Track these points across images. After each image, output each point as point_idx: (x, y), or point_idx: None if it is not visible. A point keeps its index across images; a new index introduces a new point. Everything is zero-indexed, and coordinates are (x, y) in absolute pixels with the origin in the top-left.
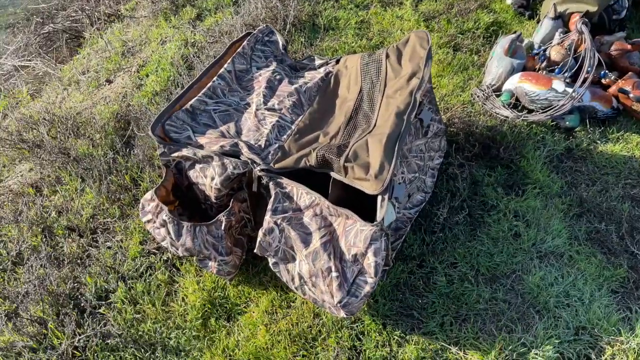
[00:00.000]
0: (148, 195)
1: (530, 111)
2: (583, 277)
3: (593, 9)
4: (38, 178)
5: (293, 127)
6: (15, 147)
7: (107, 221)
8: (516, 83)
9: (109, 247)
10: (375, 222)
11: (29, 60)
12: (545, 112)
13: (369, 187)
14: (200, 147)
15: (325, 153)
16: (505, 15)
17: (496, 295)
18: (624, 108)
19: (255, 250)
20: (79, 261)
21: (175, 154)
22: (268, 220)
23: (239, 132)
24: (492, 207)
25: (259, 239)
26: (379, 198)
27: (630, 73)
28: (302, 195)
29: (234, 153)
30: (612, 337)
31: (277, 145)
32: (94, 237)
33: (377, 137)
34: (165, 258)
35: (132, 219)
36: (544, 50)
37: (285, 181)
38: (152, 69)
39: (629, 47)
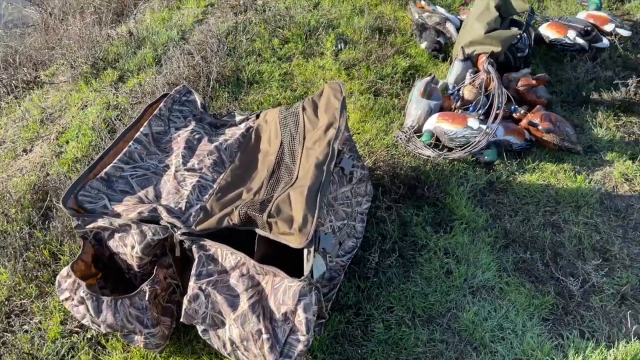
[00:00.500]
0: (64, 271)
1: (450, 149)
2: (514, 308)
3: (497, 49)
4: None
5: (215, 185)
6: None
7: (24, 302)
8: (435, 123)
9: (26, 331)
10: (302, 277)
11: None
12: (464, 149)
13: (294, 241)
14: (117, 215)
15: (247, 210)
16: (420, 59)
17: (434, 336)
18: (536, 139)
19: (181, 319)
20: None
21: (91, 225)
22: (192, 286)
23: (158, 196)
24: (423, 247)
25: (184, 307)
26: (305, 251)
27: (537, 106)
28: (227, 256)
29: (153, 218)
30: None
31: (198, 206)
32: (9, 321)
33: (298, 190)
34: (89, 336)
35: (52, 297)
36: (458, 90)
37: (208, 243)
38: (73, 135)
39: (534, 82)
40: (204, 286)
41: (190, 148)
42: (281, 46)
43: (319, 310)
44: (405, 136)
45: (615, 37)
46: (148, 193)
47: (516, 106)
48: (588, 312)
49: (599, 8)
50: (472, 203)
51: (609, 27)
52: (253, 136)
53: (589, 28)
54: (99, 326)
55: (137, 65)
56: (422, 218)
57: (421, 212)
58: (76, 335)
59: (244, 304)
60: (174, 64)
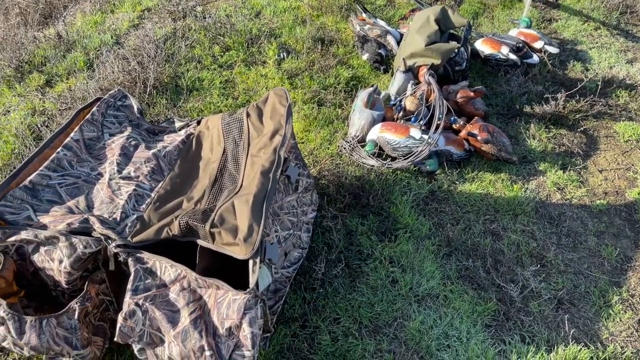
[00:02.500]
0: None
1: (393, 159)
2: (459, 315)
3: (437, 61)
4: None
5: (153, 194)
6: None
7: None
8: (378, 133)
9: None
10: (248, 289)
11: None
12: (407, 158)
13: (238, 252)
14: (44, 227)
15: (188, 220)
16: (362, 70)
17: (381, 347)
18: (475, 149)
19: (115, 339)
20: None
21: (13, 238)
22: (128, 302)
23: (90, 206)
24: (368, 256)
25: (119, 325)
26: (251, 262)
27: (476, 117)
28: (166, 268)
29: (84, 230)
30: None
31: (135, 216)
32: None
33: (243, 198)
34: None
35: None
36: (400, 101)
37: (145, 255)
38: None
39: (472, 94)
40: (141, 302)
41: (126, 155)
42: (222, 53)
43: (264, 323)
44: (349, 146)
45: (545, 54)
46: (79, 203)
47: (456, 117)
48: (528, 317)
49: (529, 26)
50: (415, 212)
51: (538, 44)
52: (194, 143)
53: (520, 44)
54: (22, 349)
55: (67, 70)
56: (367, 227)
57: (366, 221)
58: None
59: (184, 319)
60: (107, 68)
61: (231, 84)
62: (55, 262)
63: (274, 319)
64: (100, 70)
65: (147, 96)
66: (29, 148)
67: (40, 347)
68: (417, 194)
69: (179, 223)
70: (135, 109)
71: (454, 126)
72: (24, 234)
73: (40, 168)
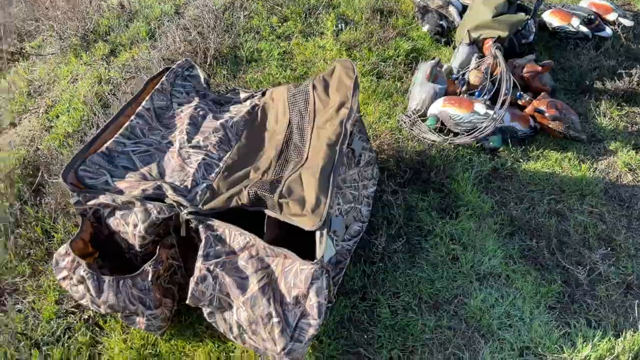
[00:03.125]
0: (62, 249)
1: (455, 134)
2: (521, 295)
3: (504, 34)
4: None
5: (221, 164)
6: None
7: (16, 281)
8: (440, 107)
9: (19, 311)
10: (315, 260)
11: None
12: (470, 134)
13: (306, 223)
14: (120, 192)
15: (257, 190)
16: (423, 42)
17: (441, 323)
18: (541, 127)
19: (187, 301)
20: None
21: (92, 202)
22: (199, 267)
23: (162, 174)
24: (429, 232)
25: (190, 289)
26: (318, 234)
27: (543, 93)
28: (236, 236)
29: (158, 196)
30: (555, 354)
31: (205, 185)
32: (1, 301)
33: (310, 170)
34: (85, 317)
35: (45, 275)
36: (463, 75)
37: (216, 223)
38: (63, 109)
39: (540, 68)
40: (211, 267)
41: (195, 125)
42: (280, 24)
43: (328, 294)
44: (410, 120)
45: (618, 27)
46: (151, 170)
47: (522, 93)
48: (594, 301)
49: None
50: (477, 189)
51: (611, 16)
52: (259, 114)
53: (592, 16)
54: (99, 307)
55: (130, 39)
56: (428, 203)
57: (427, 197)
58: (72, 315)
59: (253, 286)
60: (169, 38)
61: (289, 55)
62: (130, 226)
63: (335, 290)
64: (162, 40)
65: (207, 66)
66: (97, 115)
67: (117, 305)
68: (479, 171)
69: (248, 193)
70: (202, 80)
71: (519, 102)
72: (103, 198)
73: (115, 135)
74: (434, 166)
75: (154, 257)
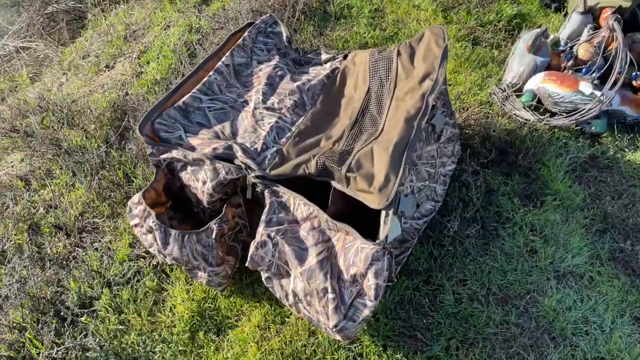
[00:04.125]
0: (135, 198)
1: (552, 114)
2: (604, 301)
3: (626, 4)
4: (28, 170)
5: (293, 129)
6: (7, 136)
7: (96, 220)
8: (539, 83)
9: (96, 249)
10: (377, 241)
11: (31, 42)
12: (570, 116)
13: (372, 201)
14: (192, 148)
15: (325, 160)
16: (529, 7)
17: (508, 319)
18: None
19: (247, 264)
20: (64, 263)
21: (165, 155)
22: (261, 232)
23: (234, 133)
24: (508, 220)
25: (250, 252)
26: (383, 213)
27: None
28: (300, 206)
29: (228, 156)
30: None
31: (275, 149)
32: (81, 237)
33: (383, 145)
34: (154, 263)
35: (122, 218)
36: (571, 48)
37: (281, 190)
38: (154, 55)
39: None
40: (272, 234)
41: (272, 85)
42: None
43: (388, 275)
44: (503, 94)
45: None
46: (224, 128)
47: (638, 72)
48: None
49: None
50: (569, 178)
51: None
52: (338, 79)
53: None
54: (165, 257)
55: None
56: (511, 188)
57: (510, 180)
58: (143, 260)
59: (312, 258)
60: None
61: (380, 13)
62: (199, 183)
63: (397, 269)
64: None
65: (295, 21)
66: (184, 65)
67: (181, 258)
68: (574, 157)
69: (316, 162)
70: (284, 37)
71: (633, 83)
72: (175, 153)
73: (193, 90)
74: (523, 148)
75: (219, 216)
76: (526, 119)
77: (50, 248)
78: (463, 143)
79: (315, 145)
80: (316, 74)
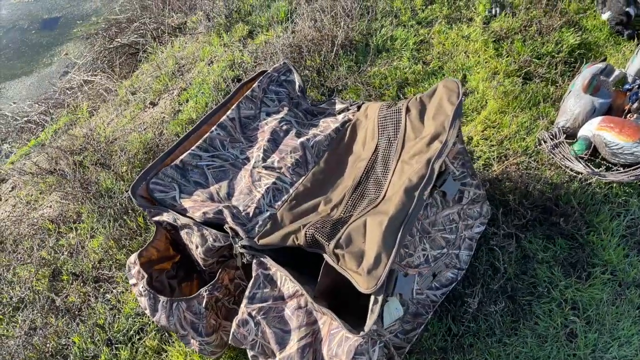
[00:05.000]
0: (132, 257)
1: (609, 166)
2: None
3: None
4: (59, 213)
5: (291, 191)
6: (42, 178)
7: (112, 269)
8: (595, 130)
9: (108, 301)
10: (362, 332)
11: (94, 75)
12: (631, 169)
13: (360, 283)
14: (184, 211)
15: (315, 233)
16: (597, 35)
17: None
18: None
19: (229, 341)
20: (76, 312)
21: (157, 218)
22: (243, 310)
23: (230, 194)
24: (544, 294)
25: (232, 330)
26: (372, 299)
27: None
28: (287, 281)
29: (218, 221)
30: None
31: (268, 213)
32: (96, 286)
33: (377, 219)
34: None
35: None
36: (638, 87)
37: (269, 262)
38: (193, 93)
39: None
40: (254, 313)
41: (275, 141)
42: (423, 7)
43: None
44: (553, 140)
45: None
46: (221, 189)
47: None
48: None
49: None
50: (625, 245)
51: None
52: (348, 133)
53: None
54: (156, 324)
55: (268, 20)
56: (552, 254)
57: (552, 245)
58: (148, 316)
59: (293, 344)
60: (300, 23)
61: (426, 45)
62: (193, 245)
63: (406, 349)
64: (295, 24)
65: (332, 56)
66: (219, 102)
67: (168, 327)
68: (635, 219)
69: (305, 234)
70: (297, 86)
71: None
72: (166, 216)
73: (193, 147)
74: (570, 206)
75: (212, 282)
76: (577, 172)
77: (67, 297)
78: (498, 198)
79: (312, 210)
80: (325, 127)
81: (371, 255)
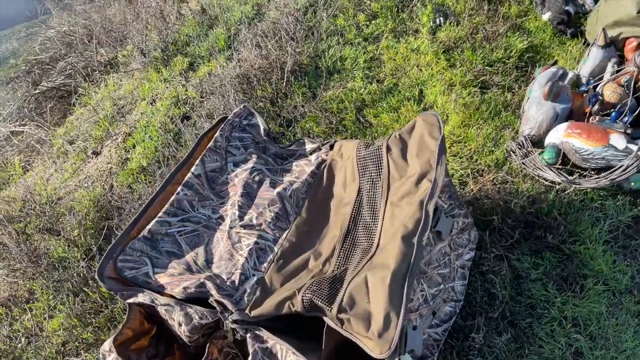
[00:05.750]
0: (106, 345)
1: (581, 174)
2: None
3: None
4: (8, 295)
5: (276, 249)
6: None
7: (79, 351)
8: (562, 137)
9: None
10: None
11: (23, 125)
12: (604, 176)
13: (372, 348)
14: (161, 288)
15: (313, 297)
16: (542, 36)
17: None
18: None
19: None
20: None
21: (131, 300)
22: None
23: (209, 261)
24: (543, 314)
25: None
26: None
27: None
28: (288, 354)
29: (201, 295)
30: None
31: (255, 278)
32: None
33: (378, 274)
34: None
35: None
36: (595, 88)
37: (265, 334)
38: (140, 137)
39: None
40: None
41: (249, 195)
42: (367, 22)
43: None
44: (522, 150)
45: None
46: (198, 257)
47: None
48: None
49: None
50: (611, 251)
51: None
52: (325, 176)
53: None
54: None
55: (209, 50)
56: (543, 271)
57: (541, 260)
58: None
59: None
60: (244, 51)
61: (377, 62)
62: (175, 323)
63: None
64: (239, 52)
65: (284, 83)
66: (170, 147)
67: None
68: (614, 222)
69: (302, 299)
70: (262, 130)
71: None
72: (141, 297)
73: (160, 214)
74: (551, 218)
75: (202, 358)
76: (552, 181)
77: None
78: (481, 219)
79: (302, 268)
80: (300, 171)
81: (379, 316)
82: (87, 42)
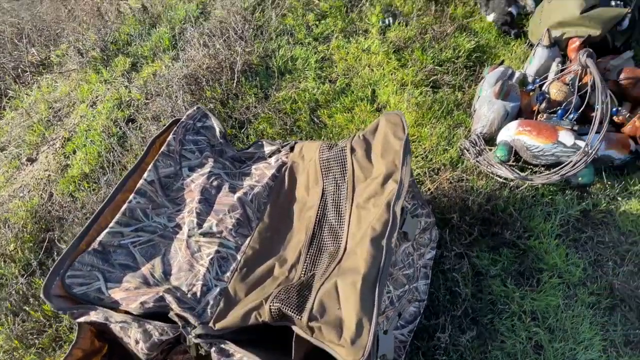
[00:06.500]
0: None
1: (533, 170)
2: None
3: (596, 32)
4: None
5: (239, 257)
6: None
7: None
8: (513, 134)
9: None
10: None
11: None
12: (555, 172)
13: (345, 356)
14: (115, 304)
15: (282, 307)
16: (488, 37)
17: None
18: None
19: None
20: None
21: (82, 319)
22: None
23: (166, 273)
24: (504, 310)
25: None
26: None
27: None
28: None
29: (161, 310)
30: None
31: (218, 289)
32: None
33: (348, 279)
34: None
35: None
36: (541, 87)
37: (231, 347)
38: (80, 142)
39: None
40: None
41: (207, 201)
42: (317, 22)
43: None
44: (475, 148)
45: None
46: (155, 269)
47: (618, 107)
48: None
49: None
50: (564, 244)
51: None
52: (286, 179)
53: None
54: None
55: (152, 50)
56: (501, 267)
57: (499, 257)
58: None
59: None
60: (191, 52)
61: (328, 62)
62: (132, 340)
63: None
64: (186, 52)
65: (234, 84)
66: (115, 151)
67: None
68: (564, 216)
69: (270, 309)
70: (218, 132)
71: (615, 119)
72: (94, 316)
73: (111, 224)
74: (505, 215)
75: None
76: (505, 178)
77: None
78: (440, 217)
79: (267, 275)
80: (260, 175)
81: (351, 323)
82: (16, 41)
